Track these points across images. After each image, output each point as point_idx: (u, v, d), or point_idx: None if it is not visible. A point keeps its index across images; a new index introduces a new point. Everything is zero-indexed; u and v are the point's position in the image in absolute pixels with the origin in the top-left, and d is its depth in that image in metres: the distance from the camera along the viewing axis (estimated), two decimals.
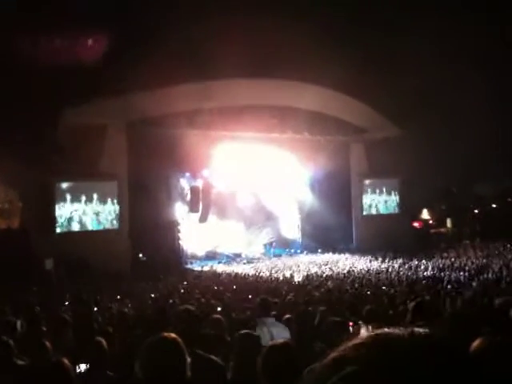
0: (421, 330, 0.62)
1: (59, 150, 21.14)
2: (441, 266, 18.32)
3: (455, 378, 0.56)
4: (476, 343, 1.61)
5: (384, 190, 30.77)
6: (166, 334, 2.37)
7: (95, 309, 9.29)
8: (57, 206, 22.19)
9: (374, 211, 30.55)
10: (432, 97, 23.08)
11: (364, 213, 30.10)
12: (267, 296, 6.81)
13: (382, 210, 30.80)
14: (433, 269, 17.56)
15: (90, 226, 22.96)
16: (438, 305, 6.37)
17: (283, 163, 27.33)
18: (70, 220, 22.51)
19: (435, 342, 0.60)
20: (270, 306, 5.94)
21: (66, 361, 2.49)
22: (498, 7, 22.03)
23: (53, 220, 22.05)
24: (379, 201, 30.68)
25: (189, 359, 2.29)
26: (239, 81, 23.42)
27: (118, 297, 12.70)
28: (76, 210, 22.61)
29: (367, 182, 30.16)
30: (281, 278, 17.41)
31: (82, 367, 3.40)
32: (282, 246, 30.58)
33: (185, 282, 17.00)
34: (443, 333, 0.61)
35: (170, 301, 10.15)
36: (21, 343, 3.51)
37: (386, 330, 0.63)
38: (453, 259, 20.47)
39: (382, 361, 0.57)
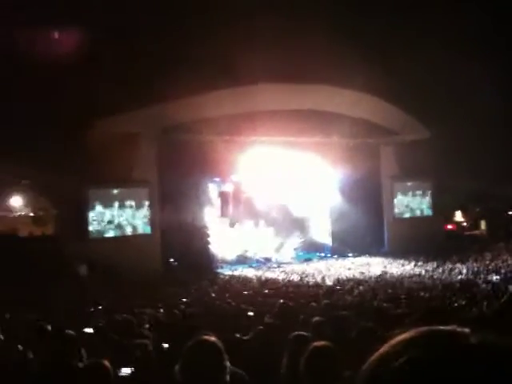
0: (463, 329, 0.63)
1: (92, 158, 21.53)
2: (475, 269, 17.96)
3: (500, 371, 0.56)
4: None
5: (416, 192, 30.36)
6: (205, 338, 2.39)
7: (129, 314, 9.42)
8: (90, 213, 22.63)
9: (405, 214, 30.16)
10: (463, 98, 22.66)
11: (396, 216, 29.74)
12: (288, 301, 6.82)
13: (414, 213, 30.38)
14: (467, 272, 17.24)
15: (123, 231, 23.34)
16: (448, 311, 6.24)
17: (312, 167, 27.23)
18: (103, 226, 22.92)
19: (477, 337, 0.61)
20: (290, 311, 5.95)
21: (106, 362, 2.54)
22: None
23: (86, 226, 22.48)
24: (411, 203, 30.27)
25: (228, 363, 2.30)
26: (267, 86, 23.46)
27: (150, 302, 12.83)
28: (108, 217, 23.02)
29: (398, 184, 29.80)
30: (311, 283, 17.33)
31: (125, 370, 3.44)
32: (312, 250, 30.45)
33: (215, 287, 17.09)
34: (485, 334, 0.62)
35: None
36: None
37: (429, 327, 0.64)
38: (487, 262, 20.05)
39: (428, 354, 0.58)
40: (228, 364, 2.30)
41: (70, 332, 3.49)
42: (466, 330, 0.63)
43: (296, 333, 3.46)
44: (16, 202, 24.25)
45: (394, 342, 0.65)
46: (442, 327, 0.65)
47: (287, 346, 3.28)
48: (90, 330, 6.37)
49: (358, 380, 0.65)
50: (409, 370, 0.58)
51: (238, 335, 4.93)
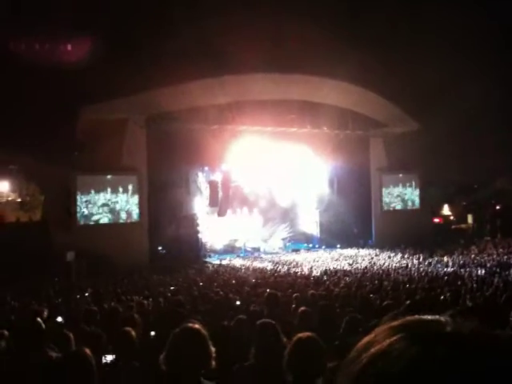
0: (447, 317, 0.64)
1: (79, 145, 21.40)
2: (461, 262, 18.13)
3: (487, 357, 0.56)
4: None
5: (404, 185, 30.51)
6: (190, 325, 2.40)
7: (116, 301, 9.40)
8: (77, 200, 22.51)
9: (393, 206, 30.32)
10: (452, 91, 22.74)
11: (384, 208, 29.89)
12: (276, 291, 6.85)
13: (402, 206, 30.54)
14: (453, 265, 17.39)
15: (111, 219, 23.26)
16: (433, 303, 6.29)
17: (302, 158, 27.23)
18: (90, 213, 22.82)
19: (465, 325, 0.61)
20: (277, 300, 5.97)
21: (87, 350, 2.52)
22: None
23: (73, 213, 22.38)
24: (399, 196, 30.42)
25: (213, 349, 2.31)
26: (257, 75, 23.36)
27: (137, 289, 12.82)
28: (96, 204, 22.91)
29: (387, 177, 29.92)
30: (299, 273, 17.39)
31: (109, 358, 3.43)
32: (300, 240, 30.58)
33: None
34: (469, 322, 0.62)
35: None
36: (45, 334, 3.56)
37: (416, 316, 0.65)
38: (473, 255, 20.24)
39: (411, 344, 0.59)
40: (213, 350, 2.31)
41: (39, 321, 3.47)
42: (444, 318, 0.64)
43: (262, 320, 3.45)
44: (3, 187, 24.04)
45: (375, 332, 0.65)
46: (421, 317, 0.65)
47: (255, 334, 3.26)
48: (60, 320, 6.33)
49: (341, 371, 0.66)
50: (389, 361, 0.58)
51: (224, 323, 4.94)
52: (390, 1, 20.69)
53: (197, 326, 2.42)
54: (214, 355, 2.31)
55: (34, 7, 17.78)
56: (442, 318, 0.63)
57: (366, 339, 0.65)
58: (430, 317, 0.64)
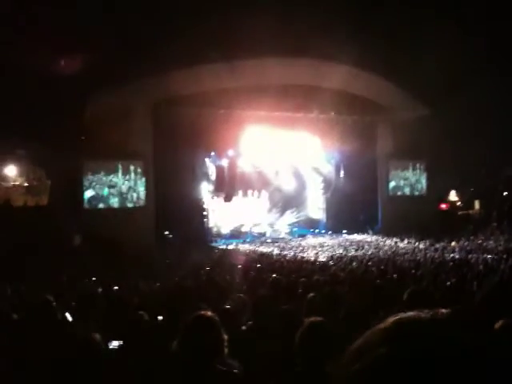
0: (443, 310, 0.63)
1: (87, 130, 21.39)
2: (468, 248, 18.11)
3: (477, 357, 0.56)
4: (499, 323, 1.60)
5: (411, 171, 30.43)
6: (202, 313, 2.42)
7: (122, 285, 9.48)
8: (84, 184, 22.67)
9: (400, 192, 30.26)
10: (462, 76, 22.48)
11: (390, 194, 29.84)
12: (287, 276, 6.88)
13: (409, 192, 30.49)
14: (460, 251, 17.38)
15: (117, 203, 23.42)
16: (433, 293, 6.26)
17: (309, 143, 27.14)
18: (97, 198, 22.97)
19: (457, 322, 0.61)
20: (280, 285, 6.00)
21: (96, 336, 2.54)
22: None
23: (80, 198, 22.55)
24: (406, 182, 30.36)
25: (226, 336, 2.34)
26: (265, 60, 23.18)
27: (145, 273, 12.91)
28: (102, 188, 23.04)
29: (394, 162, 29.82)
30: (305, 258, 17.44)
31: (115, 343, 3.45)
32: (306, 226, 30.61)
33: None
34: (467, 314, 0.62)
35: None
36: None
37: (409, 313, 0.64)
38: (480, 241, 20.20)
39: (406, 344, 0.58)
40: (225, 337, 2.34)
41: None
42: (444, 317, 0.63)
43: (224, 307, 3.48)
44: (10, 171, 24.11)
45: (369, 334, 0.65)
46: (420, 315, 0.65)
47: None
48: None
49: (337, 374, 0.66)
50: (377, 368, 0.59)
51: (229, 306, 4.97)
52: None
53: (209, 313, 2.44)
54: (226, 343, 2.34)
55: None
56: (440, 318, 0.63)
57: (356, 345, 0.65)
58: (427, 316, 0.63)
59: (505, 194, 32.36)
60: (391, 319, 0.64)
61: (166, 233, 24.16)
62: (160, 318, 4.71)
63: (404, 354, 0.56)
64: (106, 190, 23.10)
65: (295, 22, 20.46)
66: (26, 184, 25.78)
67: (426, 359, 0.56)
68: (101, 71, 18.61)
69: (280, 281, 6.14)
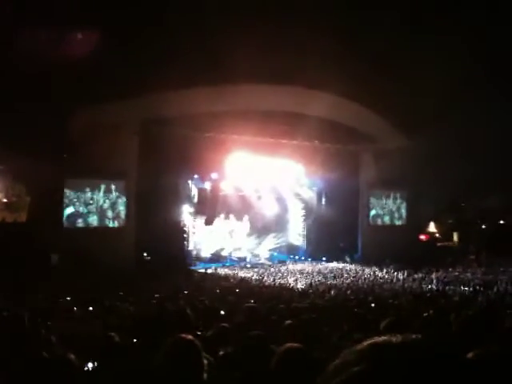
0: (414, 335, 0.67)
1: (69, 147, 21.26)
2: (446, 280, 18.26)
3: (447, 381, 0.60)
4: (473, 352, 1.62)
5: (392, 200, 30.74)
6: (182, 336, 2.39)
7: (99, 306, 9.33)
8: (64, 202, 22.42)
9: (380, 221, 30.50)
10: (443, 108, 22.95)
11: (371, 222, 30.05)
12: (254, 303, 6.85)
13: (389, 220, 30.75)
14: (438, 282, 17.51)
15: (97, 222, 23.16)
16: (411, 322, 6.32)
17: (292, 170, 27.33)
18: (76, 214, 22.71)
19: (428, 348, 0.64)
20: (257, 312, 5.95)
21: (71, 356, 2.50)
22: None
23: (60, 215, 22.25)
24: (386, 211, 30.62)
25: (205, 361, 2.31)
26: (251, 86, 23.44)
27: (122, 294, 12.74)
28: (83, 207, 22.81)
29: (375, 191, 30.12)
30: (284, 285, 17.40)
31: (90, 365, 3.40)
32: (286, 252, 30.59)
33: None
34: (439, 341, 0.66)
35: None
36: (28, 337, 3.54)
37: (383, 337, 0.68)
38: (457, 273, 20.39)
39: (378, 366, 0.62)
40: (205, 362, 2.31)
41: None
42: (413, 341, 0.67)
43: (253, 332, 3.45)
44: None
45: (346, 354, 0.69)
46: (393, 338, 0.69)
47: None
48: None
49: None
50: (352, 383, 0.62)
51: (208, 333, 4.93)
52: (384, 14, 20.80)
53: (190, 336, 2.41)
54: (205, 368, 2.31)
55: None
56: (413, 340, 0.66)
57: (334, 363, 0.68)
58: (399, 339, 0.67)
59: (483, 226, 32.82)
60: (366, 342, 0.69)
61: (145, 254, 23.91)
62: (135, 340, 4.65)
63: (376, 371, 0.60)
64: (85, 208, 22.86)
65: (282, 50, 20.80)
66: (4, 200, 25.43)
67: (395, 377, 0.60)
68: (87, 87, 18.60)
69: (256, 308, 6.11)
